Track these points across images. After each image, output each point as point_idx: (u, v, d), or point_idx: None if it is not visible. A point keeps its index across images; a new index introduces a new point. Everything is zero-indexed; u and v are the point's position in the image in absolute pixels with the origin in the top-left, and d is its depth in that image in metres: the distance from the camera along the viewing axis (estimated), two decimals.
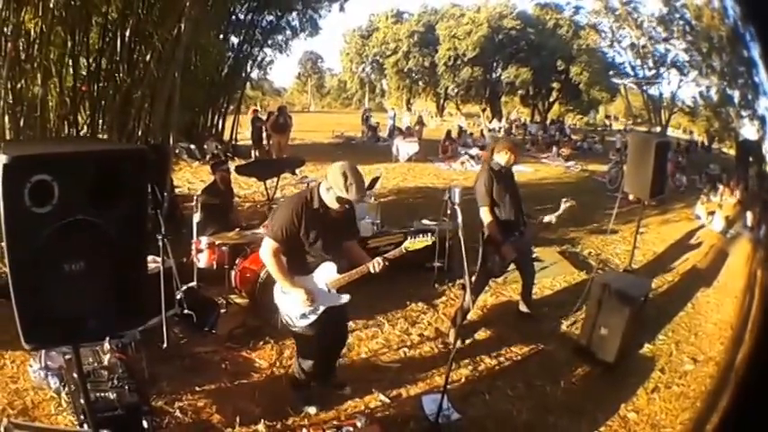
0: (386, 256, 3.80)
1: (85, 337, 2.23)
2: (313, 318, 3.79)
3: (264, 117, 16.63)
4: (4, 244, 1.91)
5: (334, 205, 3.65)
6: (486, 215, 5.11)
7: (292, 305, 3.76)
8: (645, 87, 21.27)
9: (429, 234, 4.00)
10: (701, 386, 4.82)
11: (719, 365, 4.89)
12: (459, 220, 3.94)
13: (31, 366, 4.16)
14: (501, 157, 5.23)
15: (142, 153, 2.15)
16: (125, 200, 2.04)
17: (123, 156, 2.14)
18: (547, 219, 5.73)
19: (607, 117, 29.78)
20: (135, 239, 2.10)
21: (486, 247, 5.21)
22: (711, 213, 10.72)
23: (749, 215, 9.14)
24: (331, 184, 3.58)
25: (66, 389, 3.77)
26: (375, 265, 3.73)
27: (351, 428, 3.79)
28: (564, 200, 5.57)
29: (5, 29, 6.05)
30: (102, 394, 3.26)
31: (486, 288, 6.09)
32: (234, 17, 16.14)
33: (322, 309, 3.79)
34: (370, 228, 7.10)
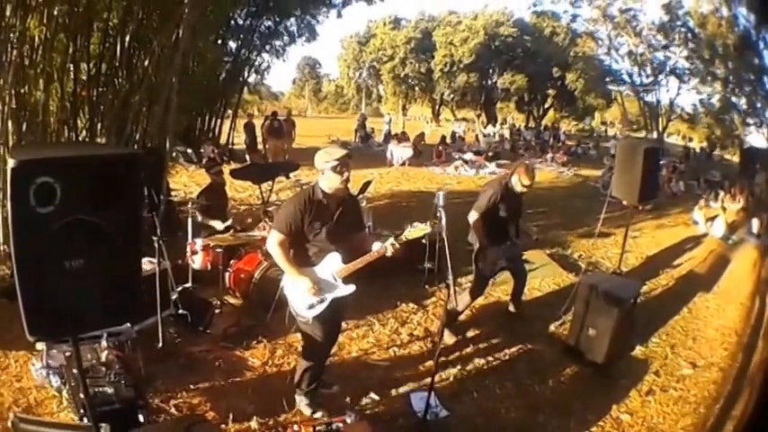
0: (392, 241, 3.83)
1: (84, 329, 2.34)
2: (320, 308, 3.84)
3: (260, 122, 16.82)
4: (6, 246, 2.04)
5: (334, 182, 3.74)
6: (474, 220, 5.36)
7: (299, 295, 3.83)
8: (642, 94, 21.34)
9: (427, 222, 4.08)
10: (704, 392, 4.86)
11: (724, 371, 5.00)
12: (444, 221, 4.05)
13: (34, 365, 4.23)
14: (517, 181, 5.41)
15: (137, 157, 2.29)
16: (122, 200, 2.16)
17: (120, 159, 2.26)
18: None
19: (603, 123, 29.94)
20: (131, 238, 2.21)
21: (477, 251, 5.43)
22: (711, 219, 10.80)
23: (755, 222, 9.24)
24: (321, 166, 3.73)
25: (67, 386, 3.85)
26: (389, 247, 3.80)
27: (340, 425, 3.84)
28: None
29: (11, 35, 6.17)
30: (101, 389, 3.39)
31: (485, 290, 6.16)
32: (233, 22, 16.26)
33: (329, 299, 3.85)
34: None
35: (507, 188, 5.43)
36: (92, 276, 2.14)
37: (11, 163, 1.98)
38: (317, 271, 3.87)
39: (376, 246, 3.88)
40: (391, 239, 3.84)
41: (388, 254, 3.83)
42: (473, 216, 5.36)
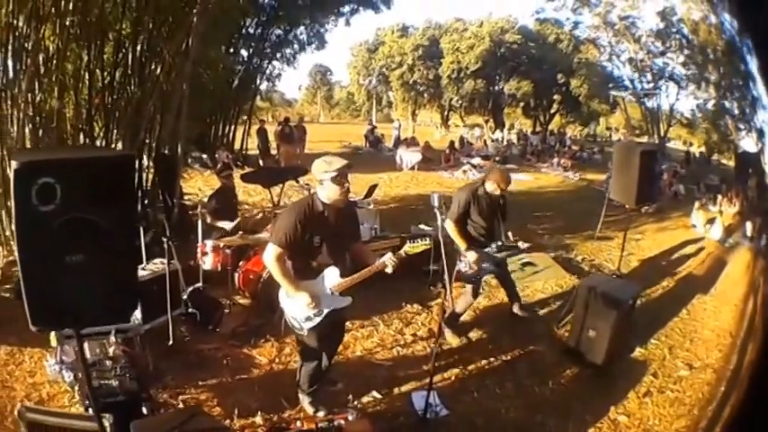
0: (392, 256, 3.75)
1: (84, 321, 2.39)
2: (318, 320, 3.77)
3: (273, 128, 17.00)
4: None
5: (334, 194, 3.61)
6: (449, 227, 5.30)
7: (297, 309, 3.76)
8: (643, 100, 21.25)
9: (428, 238, 4.06)
10: (698, 393, 4.81)
11: (718, 373, 4.91)
12: (439, 222, 4.04)
13: (48, 361, 4.27)
14: (489, 186, 5.40)
15: (130, 158, 2.36)
16: (117, 198, 2.20)
17: (114, 161, 2.32)
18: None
19: (608, 128, 29.76)
20: (126, 234, 2.26)
21: (460, 255, 5.37)
22: (709, 222, 10.77)
23: (749, 225, 9.16)
24: (320, 176, 3.61)
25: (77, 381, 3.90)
26: (389, 262, 3.72)
27: (342, 422, 3.85)
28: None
29: (27, 44, 6.26)
30: (106, 382, 3.45)
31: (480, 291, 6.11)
32: (244, 31, 16.37)
33: (326, 311, 3.78)
34: (369, 232, 7.24)
35: (478, 193, 5.41)
36: (90, 271, 2.19)
37: (14, 165, 2.06)
38: (315, 284, 3.78)
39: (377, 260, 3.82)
40: (389, 254, 3.77)
41: (388, 270, 3.76)
42: (447, 223, 5.26)
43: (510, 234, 5.68)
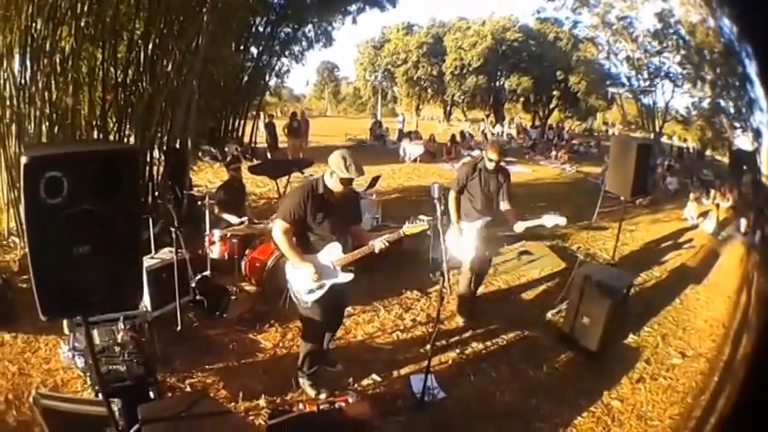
0: (386, 238, 3.95)
1: (91, 311, 2.41)
2: (320, 293, 3.90)
3: (281, 122, 17.02)
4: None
5: (338, 188, 3.79)
6: (451, 197, 5.36)
7: (301, 280, 3.88)
8: (639, 96, 21.11)
9: (426, 220, 4.09)
10: (691, 382, 4.80)
11: (711, 362, 4.87)
12: (438, 212, 4.05)
13: (61, 348, 4.30)
14: (487, 159, 5.32)
15: (133, 151, 2.36)
16: (121, 191, 2.21)
17: (118, 154, 2.32)
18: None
19: (605, 123, 29.58)
20: (131, 225, 2.27)
21: (449, 229, 5.34)
22: (702, 215, 10.72)
23: (743, 220, 9.12)
24: (333, 168, 3.73)
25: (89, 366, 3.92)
26: (378, 244, 3.91)
27: (343, 404, 3.87)
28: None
29: (44, 45, 6.28)
30: (114, 367, 3.47)
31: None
32: (254, 29, 16.34)
33: (328, 285, 3.91)
34: (370, 222, 7.23)
35: (477, 168, 5.35)
36: (97, 261, 2.20)
37: (23, 159, 2.07)
38: (318, 258, 3.92)
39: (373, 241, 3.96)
40: (381, 239, 3.94)
41: (376, 251, 3.93)
42: (451, 194, 5.36)
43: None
